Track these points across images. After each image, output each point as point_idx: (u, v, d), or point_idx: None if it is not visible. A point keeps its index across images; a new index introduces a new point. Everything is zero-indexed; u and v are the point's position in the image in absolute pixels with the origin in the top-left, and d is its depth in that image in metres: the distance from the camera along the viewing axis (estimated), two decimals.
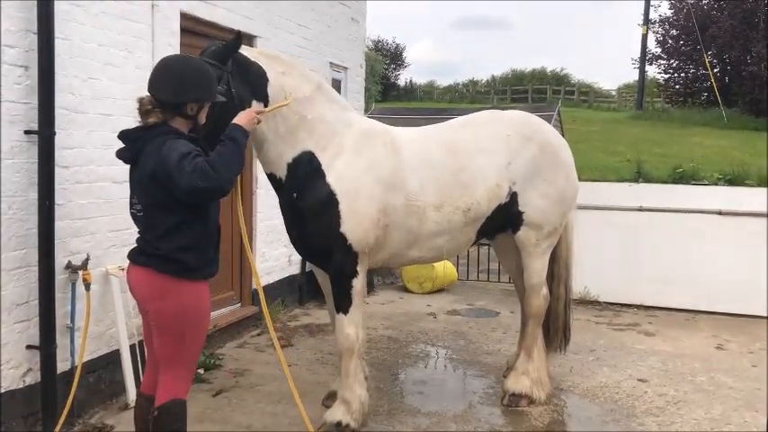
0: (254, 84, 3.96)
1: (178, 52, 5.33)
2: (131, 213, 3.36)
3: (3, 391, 4.03)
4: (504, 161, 4.64)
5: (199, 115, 3.33)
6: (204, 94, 3.29)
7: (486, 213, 4.63)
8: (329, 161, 4.18)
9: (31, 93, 4.09)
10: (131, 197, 3.34)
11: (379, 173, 4.28)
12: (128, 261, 3.40)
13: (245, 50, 4.03)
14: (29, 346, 4.18)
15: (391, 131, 4.54)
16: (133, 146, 3.25)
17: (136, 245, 3.37)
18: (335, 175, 4.16)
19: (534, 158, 4.72)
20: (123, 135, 3.30)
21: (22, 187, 4.08)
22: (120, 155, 3.33)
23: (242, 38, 3.85)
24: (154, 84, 3.23)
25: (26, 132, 4.08)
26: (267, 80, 4.02)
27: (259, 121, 3.60)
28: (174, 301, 3.22)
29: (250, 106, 3.92)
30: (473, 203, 4.54)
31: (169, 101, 3.21)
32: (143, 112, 3.24)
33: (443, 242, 4.59)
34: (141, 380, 3.72)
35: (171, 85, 3.20)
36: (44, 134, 4.12)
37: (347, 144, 4.25)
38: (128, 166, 3.37)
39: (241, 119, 3.42)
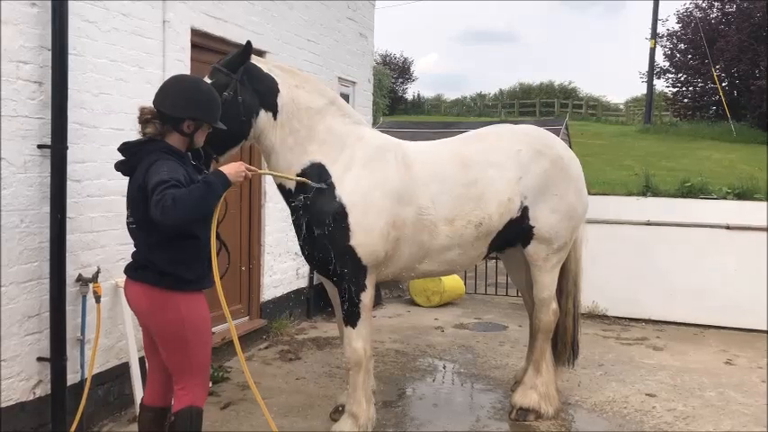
0: (263, 94, 4.05)
1: (188, 68, 5.40)
2: (126, 225, 3.42)
3: (13, 403, 4.07)
4: (516, 175, 4.66)
5: (196, 136, 3.40)
6: (203, 115, 3.35)
7: (498, 227, 4.64)
8: (340, 174, 4.22)
9: (45, 108, 4.16)
10: (127, 209, 3.40)
11: (390, 187, 4.30)
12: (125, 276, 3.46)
13: (260, 62, 4.13)
14: (39, 359, 4.21)
15: (402, 145, 4.58)
16: (131, 159, 3.33)
17: (131, 259, 3.43)
18: (346, 189, 4.19)
19: (545, 173, 4.74)
20: (124, 147, 3.38)
21: (34, 201, 4.13)
22: (118, 167, 3.41)
23: (251, 48, 3.94)
24: (158, 95, 3.34)
25: (39, 147, 4.14)
26: (278, 91, 4.10)
27: (246, 177, 3.53)
28: (171, 314, 3.28)
29: (257, 115, 4.02)
30: (485, 217, 4.56)
31: (167, 114, 3.29)
32: (142, 121, 3.33)
33: (455, 256, 4.60)
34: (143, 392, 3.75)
35: (173, 100, 3.29)
36: (57, 148, 4.18)
37: (358, 157, 4.29)
38: None
39: (229, 168, 3.39)
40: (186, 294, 3.31)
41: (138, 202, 3.25)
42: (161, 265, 3.26)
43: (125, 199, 4.68)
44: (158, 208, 3.03)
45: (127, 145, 3.38)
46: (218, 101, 3.48)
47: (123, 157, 3.39)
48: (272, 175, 4.12)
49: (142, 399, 3.65)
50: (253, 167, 3.68)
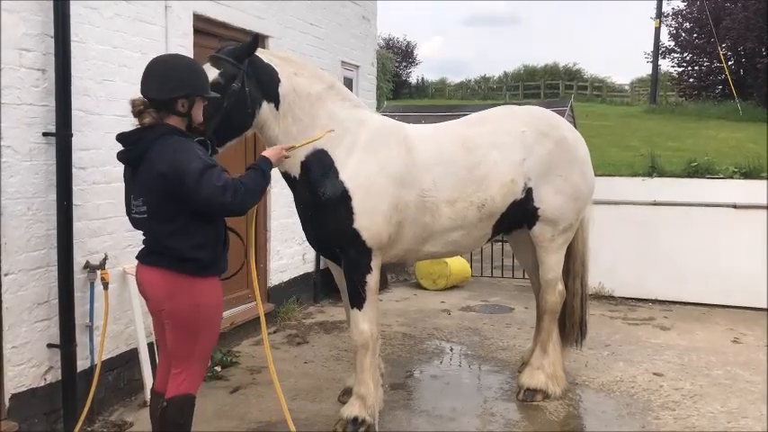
0: (266, 85, 4.02)
1: (191, 53, 5.38)
2: (133, 217, 3.36)
3: (24, 389, 4.11)
4: (519, 157, 4.65)
5: (193, 112, 3.34)
6: (191, 89, 3.28)
7: (502, 209, 4.64)
8: (343, 159, 4.21)
9: (49, 95, 4.16)
10: (132, 200, 3.32)
11: (392, 169, 4.30)
12: (137, 262, 3.45)
13: (259, 53, 4.09)
14: (49, 345, 4.24)
15: (404, 128, 4.56)
16: (135, 147, 3.26)
17: (144, 246, 3.41)
18: (348, 173, 4.19)
19: (549, 154, 4.72)
20: (122, 137, 3.32)
21: (41, 188, 4.15)
22: (122, 157, 3.35)
23: (258, 41, 3.92)
24: (143, 83, 3.29)
25: (44, 134, 4.15)
26: (279, 81, 4.07)
27: (287, 157, 3.74)
28: (187, 299, 3.27)
29: (261, 107, 3.99)
30: (487, 199, 4.55)
31: (156, 98, 3.24)
32: (136, 113, 3.27)
33: (458, 237, 4.60)
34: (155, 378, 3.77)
35: (157, 83, 3.24)
36: (62, 136, 4.18)
37: (360, 141, 4.28)
38: None
39: (271, 152, 3.59)
40: (205, 280, 3.31)
41: (156, 189, 3.18)
42: (182, 250, 3.22)
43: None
44: (228, 193, 3.11)
45: (126, 134, 3.31)
46: (203, 71, 3.43)
47: (124, 147, 3.32)
48: (306, 143, 4.10)
49: (153, 385, 3.66)
50: (289, 146, 3.81)
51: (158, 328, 3.54)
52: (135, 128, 3.31)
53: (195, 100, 3.32)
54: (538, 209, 4.75)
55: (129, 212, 3.42)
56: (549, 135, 4.76)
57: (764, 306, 7.46)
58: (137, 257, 3.45)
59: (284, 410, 3.97)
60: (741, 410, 4.85)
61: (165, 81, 3.23)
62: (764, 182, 7.88)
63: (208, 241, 3.30)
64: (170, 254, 3.25)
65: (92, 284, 4.51)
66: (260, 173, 3.40)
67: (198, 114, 3.38)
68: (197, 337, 3.34)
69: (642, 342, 6.46)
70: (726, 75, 27.36)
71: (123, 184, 4.72)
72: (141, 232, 3.41)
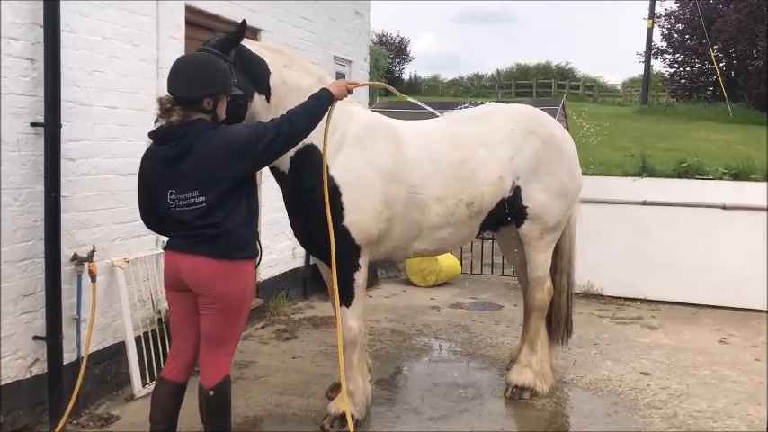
0: (256, 76, 3.94)
1: (183, 45, 5.36)
2: (175, 210, 3.33)
3: (10, 381, 4.07)
4: (508, 155, 4.65)
5: (218, 110, 3.44)
6: (217, 88, 3.38)
7: (490, 207, 4.64)
8: (332, 154, 4.17)
9: (38, 85, 4.11)
10: (174, 194, 3.32)
11: (382, 165, 4.28)
12: (167, 251, 3.47)
13: (248, 44, 4.03)
14: (35, 337, 4.21)
15: (393, 124, 4.55)
16: (180, 142, 3.29)
17: (180, 235, 3.40)
18: (338, 168, 4.16)
19: (537, 152, 4.73)
20: (163, 133, 3.34)
21: (28, 179, 4.11)
22: (166, 153, 3.34)
23: (246, 28, 3.82)
24: (170, 82, 3.37)
25: (32, 125, 4.11)
26: (269, 73, 4.02)
27: (350, 91, 3.90)
28: (237, 284, 3.38)
29: (252, 99, 3.92)
30: (476, 196, 4.55)
31: (184, 97, 3.32)
32: (164, 110, 3.35)
33: (446, 234, 4.60)
34: (163, 364, 3.76)
35: (184, 82, 3.33)
36: (50, 126, 4.14)
37: (349, 136, 4.25)
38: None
39: (333, 86, 3.81)
40: (244, 262, 3.43)
41: (215, 175, 3.27)
42: (230, 227, 3.32)
43: (120, 178, 4.71)
44: (284, 126, 3.40)
45: (165, 131, 3.33)
46: (227, 69, 3.51)
47: (170, 142, 3.31)
48: (368, 84, 4.21)
49: (162, 371, 3.64)
50: (353, 81, 3.87)
51: (182, 315, 3.54)
52: (175, 124, 3.32)
53: (220, 98, 3.43)
54: (526, 207, 4.75)
55: (152, 210, 3.48)
56: (536, 133, 4.77)
57: (751, 306, 7.50)
58: (168, 248, 3.45)
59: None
60: (727, 410, 4.88)
61: (192, 80, 3.33)
62: (753, 183, 7.94)
63: (249, 218, 3.43)
64: (217, 233, 3.31)
65: (79, 277, 4.48)
66: (315, 99, 3.65)
67: (222, 112, 3.47)
68: (238, 320, 3.49)
69: (630, 341, 6.49)
70: (717, 76, 27.47)
71: (112, 177, 4.72)
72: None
